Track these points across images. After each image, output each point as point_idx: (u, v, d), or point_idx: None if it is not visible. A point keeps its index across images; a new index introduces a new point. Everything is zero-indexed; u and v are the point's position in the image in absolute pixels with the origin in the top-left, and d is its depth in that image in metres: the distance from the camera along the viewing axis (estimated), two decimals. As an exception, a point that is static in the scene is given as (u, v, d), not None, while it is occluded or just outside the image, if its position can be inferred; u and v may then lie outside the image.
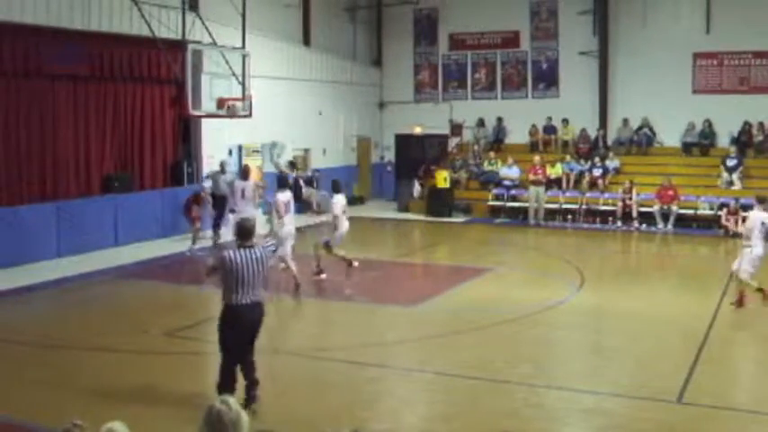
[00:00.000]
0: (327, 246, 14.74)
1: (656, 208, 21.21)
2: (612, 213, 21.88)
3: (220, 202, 18.01)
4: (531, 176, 22.41)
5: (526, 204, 22.88)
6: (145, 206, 18.35)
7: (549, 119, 25.57)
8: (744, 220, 14.31)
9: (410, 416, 8.12)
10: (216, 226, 17.84)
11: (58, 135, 16.84)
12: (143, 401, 8.09)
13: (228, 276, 7.65)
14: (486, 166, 24.90)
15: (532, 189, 22.32)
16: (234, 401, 3.73)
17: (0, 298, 12.96)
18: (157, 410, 7.85)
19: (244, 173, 17.15)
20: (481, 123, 26.55)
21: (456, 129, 26.81)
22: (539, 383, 8.43)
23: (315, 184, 23.44)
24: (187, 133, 20.19)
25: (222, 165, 18.96)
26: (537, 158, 22.90)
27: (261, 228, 13.35)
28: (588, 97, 25.18)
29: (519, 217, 22.89)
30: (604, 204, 22.25)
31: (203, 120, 19.08)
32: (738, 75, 23.71)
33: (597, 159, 23.63)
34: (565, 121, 25.29)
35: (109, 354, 10.01)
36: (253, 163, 23.76)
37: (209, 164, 20.27)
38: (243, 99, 17.53)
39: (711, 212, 20.99)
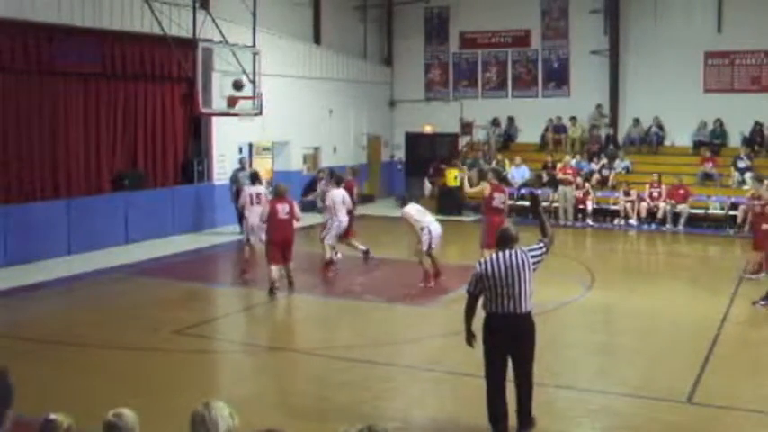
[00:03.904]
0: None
1: (666, 207, 21.12)
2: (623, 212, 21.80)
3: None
4: (561, 176, 22.31)
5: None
6: (155, 204, 18.40)
7: (559, 118, 25.49)
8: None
9: (419, 415, 8.12)
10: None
11: (69, 132, 16.88)
12: (151, 399, 8.09)
13: None
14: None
15: (561, 189, 22.22)
16: (221, 406, 3.82)
17: (11, 295, 13.03)
18: (165, 408, 7.85)
19: (253, 177, 16.12)
20: (495, 122, 26.45)
21: (466, 127, 26.75)
22: (548, 383, 8.39)
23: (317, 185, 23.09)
24: (198, 131, 20.24)
25: (242, 161, 19.86)
26: (567, 158, 22.86)
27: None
28: (599, 96, 25.09)
29: (528, 216, 22.79)
30: (614, 204, 22.18)
31: (214, 118, 19.13)
32: (750, 74, 23.61)
33: (606, 158, 23.55)
34: (573, 120, 25.20)
35: (118, 351, 10.05)
36: (262, 162, 23.80)
37: (219, 162, 20.36)
38: (253, 97, 17.56)
39: (722, 212, 20.90)
